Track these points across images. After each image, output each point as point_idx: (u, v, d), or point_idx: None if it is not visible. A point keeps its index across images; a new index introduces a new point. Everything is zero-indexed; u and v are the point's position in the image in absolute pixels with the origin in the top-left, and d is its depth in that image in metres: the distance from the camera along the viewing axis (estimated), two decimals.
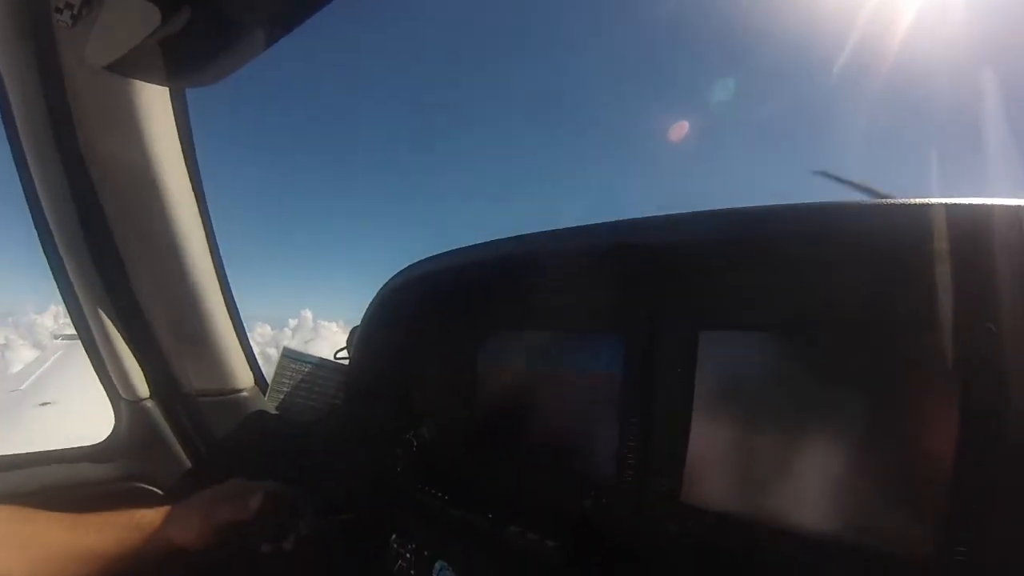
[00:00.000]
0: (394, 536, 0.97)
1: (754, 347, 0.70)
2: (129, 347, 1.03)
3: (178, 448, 1.12)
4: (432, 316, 1.06)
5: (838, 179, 0.75)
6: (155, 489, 1.11)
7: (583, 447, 0.87)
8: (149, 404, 1.09)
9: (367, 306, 1.01)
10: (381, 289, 0.97)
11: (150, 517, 0.83)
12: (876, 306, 0.60)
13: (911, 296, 0.57)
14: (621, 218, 0.72)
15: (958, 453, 0.54)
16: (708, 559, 0.68)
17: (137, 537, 0.80)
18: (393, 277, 0.95)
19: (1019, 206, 0.46)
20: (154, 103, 0.88)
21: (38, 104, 0.86)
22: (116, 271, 1.00)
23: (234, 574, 0.97)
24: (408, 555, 0.94)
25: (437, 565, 0.88)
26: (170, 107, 0.91)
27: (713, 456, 0.72)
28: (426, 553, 0.91)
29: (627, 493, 0.78)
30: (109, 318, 1.00)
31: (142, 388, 1.07)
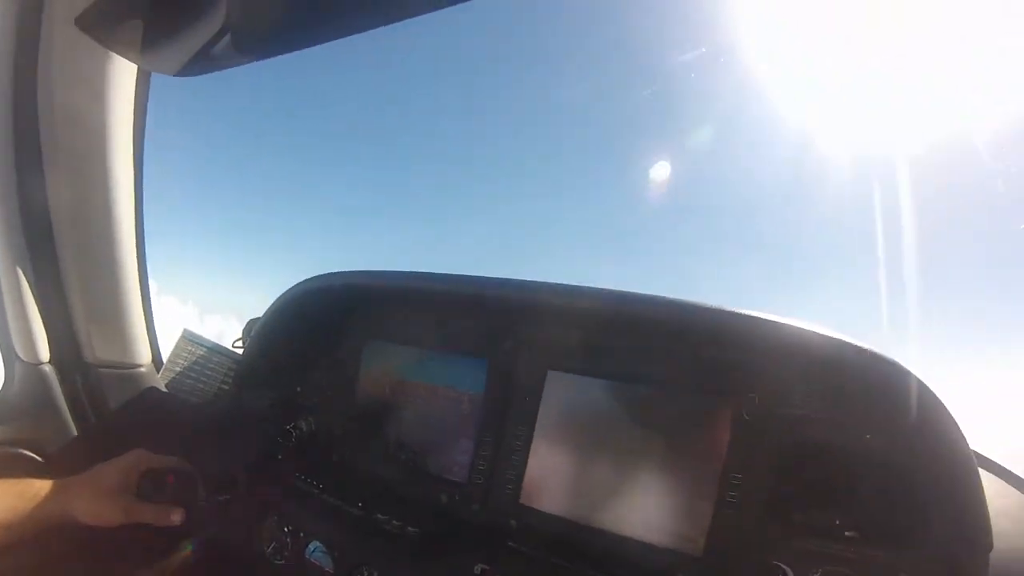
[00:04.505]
0: (275, 517, 1.07)
1: (589, 389, 0.93)
2: (39, 308, 1.03)
3: (67, 416, 1.12)
4: (325, 323, 1.18)
5: None
6: (35, 456, 1.09)
7: (443, 452, 1.05)
8: (47, 368, 1.09)
9: (268, 306, 1.12)
10: (283, 294, 1.09)
11: (42, 487, 0.83)
12: (679, 372, 0.86)
13: (698, 367, 0.84)
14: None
15: (720, 484, 0.79)
16: (539, 546, 0.88)
17: (30, 506, 0.81)
18: (296, 285, 1.07)
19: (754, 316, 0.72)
20: (121, 76, 0.93)
21: (5, 47, 0.87)
22: (42, 229, 1.01)
23: (123, 547, 1.00)
24: (285, 537, 1.04)
25: (311, 545, 1.00)
26: (135, 84, 0.96)
27: (546, 470, 0.94)
28: (302, 534, 1.01)
29: (477, 493, 0.98)
30: (24, 275, 1.00)
31: (43, 351, 1.07)
